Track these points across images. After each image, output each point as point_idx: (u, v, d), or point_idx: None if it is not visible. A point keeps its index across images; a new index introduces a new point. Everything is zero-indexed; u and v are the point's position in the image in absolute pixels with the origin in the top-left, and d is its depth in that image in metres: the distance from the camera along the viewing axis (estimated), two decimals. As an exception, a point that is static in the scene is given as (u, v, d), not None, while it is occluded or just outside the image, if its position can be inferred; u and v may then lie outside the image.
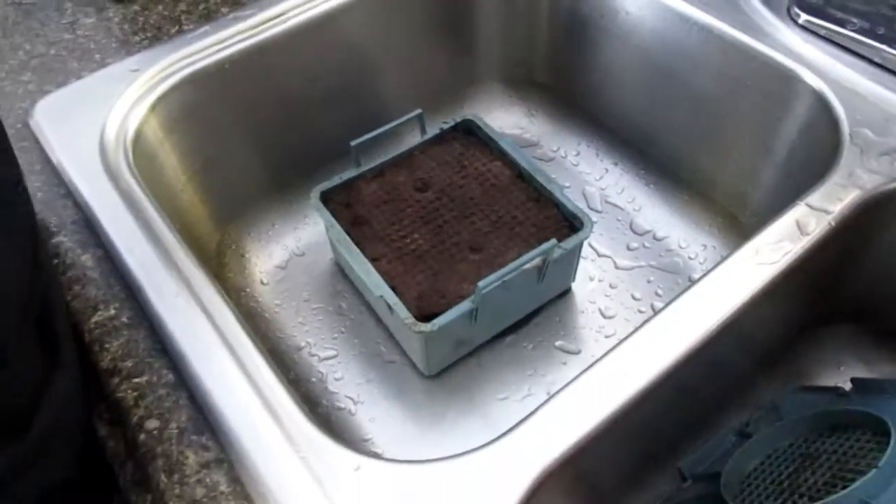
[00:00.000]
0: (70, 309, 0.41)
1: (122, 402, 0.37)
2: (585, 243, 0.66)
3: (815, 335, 0.56)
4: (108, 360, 0.39)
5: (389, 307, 0.51)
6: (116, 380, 0.38)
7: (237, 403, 0.37)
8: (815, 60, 0.53)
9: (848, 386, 0.50)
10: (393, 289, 0.52)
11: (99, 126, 0.50)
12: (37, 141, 0.51)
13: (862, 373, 0.56)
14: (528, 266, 0.52)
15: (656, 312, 0.41)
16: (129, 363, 0.39)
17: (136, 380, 0.38)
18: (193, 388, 0.38)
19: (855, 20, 0.54)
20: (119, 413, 0.38)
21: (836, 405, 0.48)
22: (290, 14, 0.58)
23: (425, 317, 0.51)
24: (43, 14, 0.60)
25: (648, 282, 0.64)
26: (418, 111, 0.59)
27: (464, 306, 0.50)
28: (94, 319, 0.41)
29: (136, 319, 0.41)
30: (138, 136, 0.51)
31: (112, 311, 0.41)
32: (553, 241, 0.51)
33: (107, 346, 0.39)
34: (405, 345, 0.59)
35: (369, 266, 0.53)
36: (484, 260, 0.54)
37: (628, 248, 0.66)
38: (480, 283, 0.49)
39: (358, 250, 0.54)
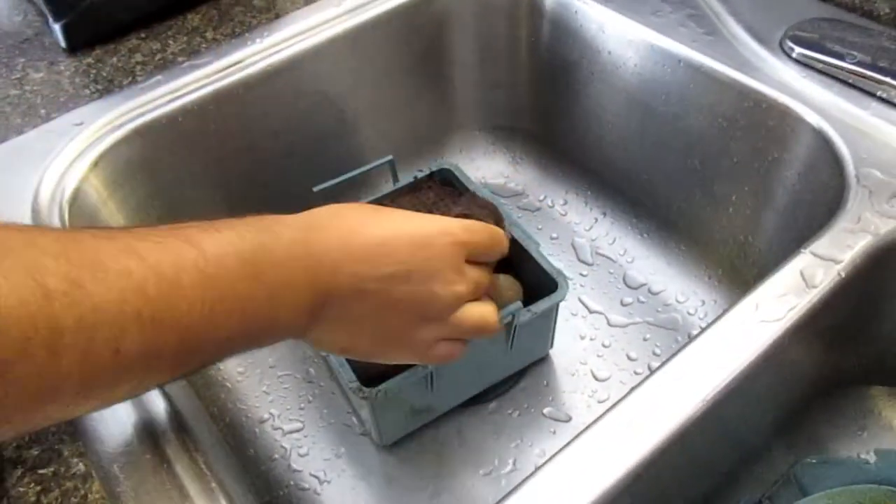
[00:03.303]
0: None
1: (23, 499, 0.32)
2: (575, 298, 0.61)
3: (832, 398, 0.50)
4: (11, 447, 0.34)
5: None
6: (19, 472, 0.33)
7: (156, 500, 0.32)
8: (812, 96, 0.48)
9: (871, 456, 0.44)
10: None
11: (33, 186, 0.46)
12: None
13: (885, 438, 0.50)
14: None
15: (651, 373, 0.36)
16: (35, 451, 0.34)
17: (42, 471, 0.33)
18: (103, 478, 0.32)
19: (855, 53, 0.50)
20: (19, 511, 0.32)
21: (859, 478, 0.42)
22: (248, 61, 0.54)
23: (375, 380, 0.45)
24: (-9, 69, 0.57)
25: (645, 340, 0.58)
26: (389, 158, 0.54)
27: (416, 372, 0.45)
28: (1, 400, 0.36)
29: (49, 399, 0.36)
30: (77, 195, 0.47)
31: (23, 390, 0.36)
32: (518, 303, 0.46)
33: (12, 431, 0.34)
34: (359, 411, 0.54)
35: None
36: None
37: (622, 304, 0.61)
38: None
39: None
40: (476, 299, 0.39)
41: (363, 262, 0.33)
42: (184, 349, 0.28)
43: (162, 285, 0.26)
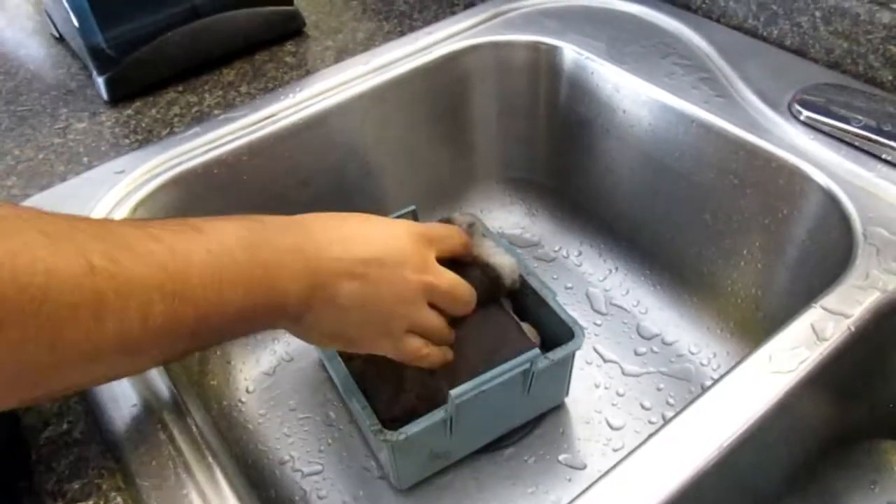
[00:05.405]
0: (21, 425, 0.38)
1: (63, 532, 0.33)
2: (590, 347, 0.63)
3: (844, 451, 0.51)
4: (52, 482, 0.35)
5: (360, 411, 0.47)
6: (59, 505, 0.34)
7: (191, 533, 0.33)
8: (820, 157, 0.51)
9: (884, 510, 0.45)
10: (364, 392, 0.48)
11: (77, 228, 0.49)
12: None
13: (898, 493, 0.50)
14: (509, 376, 0.48)
15: (666, 422, 0.37)
16: (75, 485, 0.35)
17: (81, 505, 0.34)
18: (142, 514, 0.34)
19: (860, 117, 0.52)
20: (59, 544, 0.34)
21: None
22: (280, 115, 0.57)
23: (395, 424, 0.47)
24: (36, 120, 0.60)
25: (658, 389, 0.60)
26: (412, 207, 0.57)
27: (435, 416, 0.46)
28: (44, 435, 0.37)
29: (89, 434, 0.37)
30: (117, 238, 0.49)
31: (65, 426, 0.38)
32: (536, 350, 0.48)
33: (53, 465, 0.36)
34: (378, 454, 0.55)
35: (341, 365, 0.50)
36: (464, 365, 0.51)
37: (636, 353, 0.62)
38: (453, 393, 0.45)
39: (333, 349, 0.50)
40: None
41: (341, 244, 0.39)
42: (200, 321, 0.33)
43: (178, 263, 0.32)
